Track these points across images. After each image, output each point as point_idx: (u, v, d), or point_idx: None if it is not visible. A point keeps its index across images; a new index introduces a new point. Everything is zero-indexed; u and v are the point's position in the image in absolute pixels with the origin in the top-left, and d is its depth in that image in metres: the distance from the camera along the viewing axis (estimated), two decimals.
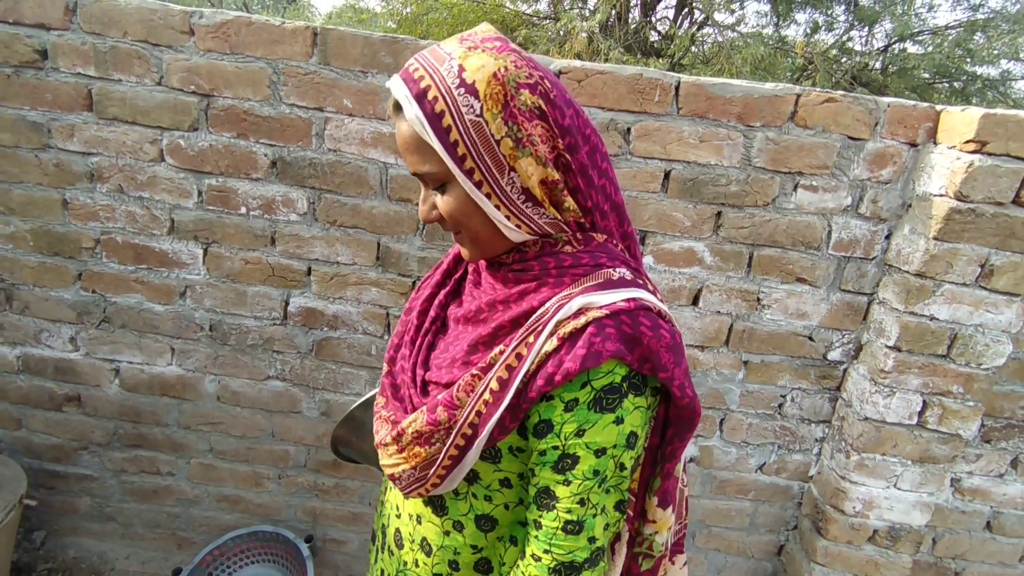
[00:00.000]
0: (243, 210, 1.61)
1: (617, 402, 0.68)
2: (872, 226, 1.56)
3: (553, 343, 0.68)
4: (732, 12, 7.06)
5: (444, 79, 0.66)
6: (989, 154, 1.35)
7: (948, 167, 1.40)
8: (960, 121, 1.40)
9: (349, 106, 1.51)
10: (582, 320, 0.67)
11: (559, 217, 0.73)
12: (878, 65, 7.01)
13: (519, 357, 0.69)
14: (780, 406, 1.74)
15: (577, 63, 1.47)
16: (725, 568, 1.94)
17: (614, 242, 0.77)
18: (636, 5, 7.00)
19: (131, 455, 1.86)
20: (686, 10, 7.16)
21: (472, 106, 0.65)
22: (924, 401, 1.57)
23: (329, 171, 1.56)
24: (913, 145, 1.50)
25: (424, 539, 0.85)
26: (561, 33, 6.21)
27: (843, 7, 6.66)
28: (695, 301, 1.65)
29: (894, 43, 6.73)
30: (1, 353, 1.76)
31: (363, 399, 1.02)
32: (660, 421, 0.76)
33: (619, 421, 0.69)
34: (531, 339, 0.69)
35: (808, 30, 7.00)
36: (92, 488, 1.91)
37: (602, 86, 1.47)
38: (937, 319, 1.49)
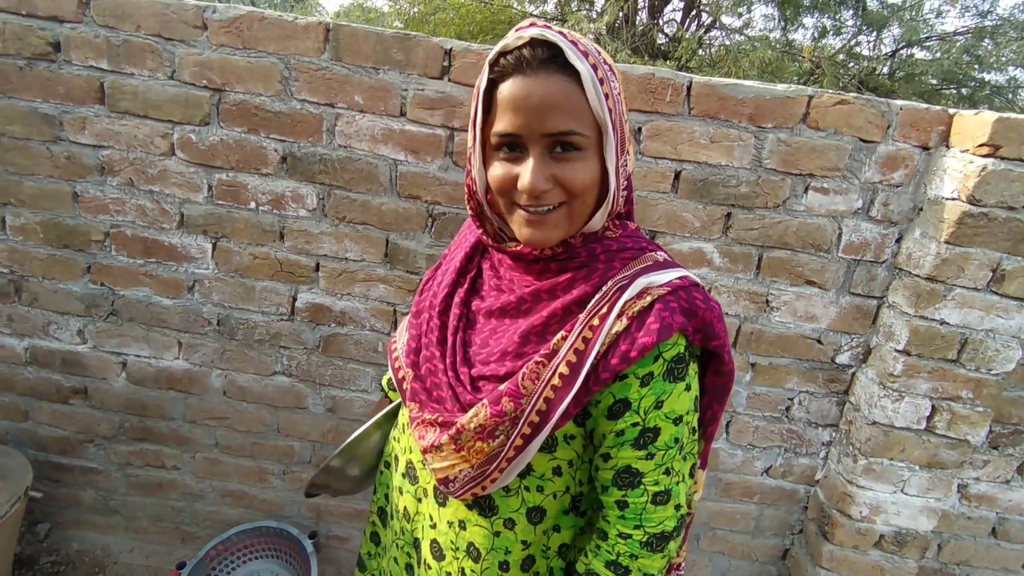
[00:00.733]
0: (252, 205, 1.61)
1: (684, 370, 0.72)
2: (883, 229, 1.56)
3: (623, 323, 0.70)
4: (739, 15, 7.06)
5: (598, 51, 0.69)
6: (1002, 158, 1.35)
7: (961, 171, 1.40)
8: (973, 125, 1.39)
9: (360, 102, 1.51)
10: (647, 299, 0.70)
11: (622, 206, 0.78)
12: (885, 70, 7.00)
13: (586, 340, 0.70)
14: (787, 409, 1.74)
15: None
16: (729, 571, 1.93)
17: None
18: (643, 7, 7.00)
19: (136, 448, 1.87)
20: (693, 13, 7.15)
21: (616, 83, 0.70)
22: (933, 406, 1.56)
23: (339, 167, 1.56)
24: (925, 148, 1.49)
25: (471, 544, 0.83)
26: None
27: (851, 11, 6.65)
28: None
29: (902, 48, 6.72)
30: (9, 345, 1.77)
31: (339, 449, 0.99)
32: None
33: (688, 388, 0.73)
34: (596, 322, 0.71)
35: (815, 34, 7.00)
36: (97, 481, 1.91)
37: None
38: (947, 323, 1.48)
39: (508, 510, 0.80)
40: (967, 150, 1.40)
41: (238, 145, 1.56)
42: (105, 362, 1.77)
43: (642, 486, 0.73)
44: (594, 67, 0.67)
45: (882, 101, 1.47)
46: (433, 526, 0.87)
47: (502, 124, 0.69)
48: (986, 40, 6.56)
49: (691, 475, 0.78)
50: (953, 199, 1.41)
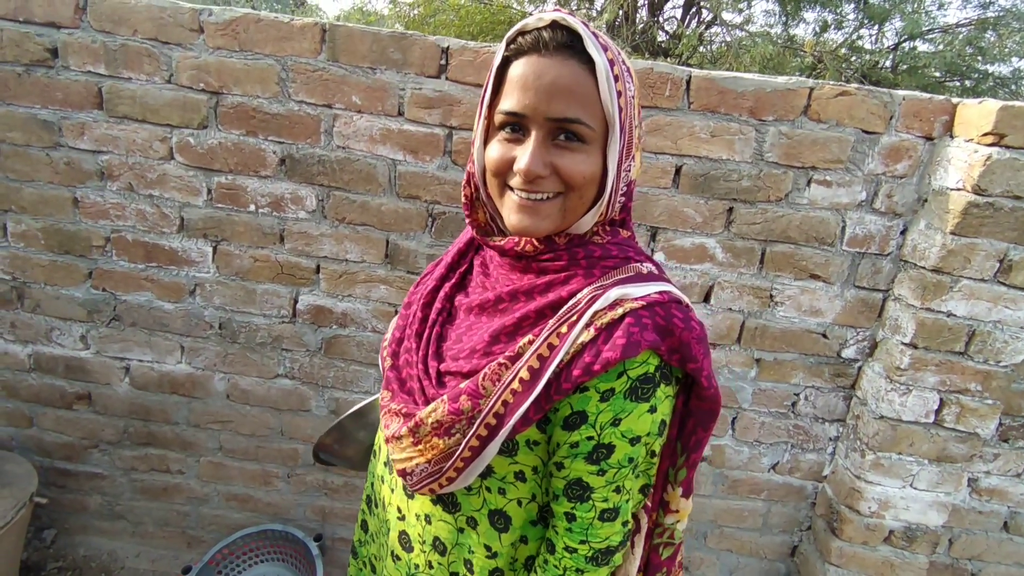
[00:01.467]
0: (252, 208, 1.61)
1: (651, 391, 0.69)
2: (887, 221, 1.54)
3: (590, 333, 0.67)
4: (740, 11, 7.03)
5: (619, 51, 0.69)
6: (1007, 147, 1.33)
7: (965, 160, 1.38)
8: (977, 114, 1.37)
9: (358, 103, 1.50)
10: (619, 311, 0.67)
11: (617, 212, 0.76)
12: (888, 63, 6.95)
13: (551, 347, 0.69)
14: (793, 404, 1.72)
15: None
16: (737, 569, 1.91)
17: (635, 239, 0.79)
18: (643, 5, 6.99)
19: (141, 453, 1.87)
20: (694, 9, 7.13)
21: (632, 87, 0.70)
22: (941, 399, 1.54)
23: (338, 168, 1.56)
24: (929, 139, 1.47)
25: (436, 538, 0.83)
26: None
27: (852, 5, 6.61)
28: (706, 298, 1.63)
29: (904, 41, 6.67)
30: (13, 351, 1.77)
31: (353, 409, 1.00)
32: (679, 412, 0.76)
33: (653, 410, 0.70)
34: (564, 329, 0.69)
35: (817, 29, 6.95)
36: (102, 486, 1.91)
37: None
38: (954, 315, 1.47)
39: (470, 508, 0.80)
40: (971, 139, 1.38)
41: (236, 148, 1.56)
42: (108, 367, 1.78)
43: (591, 501, 0.72)
44: (611, 62, 0.66)
45: (884, 91, 1.45)
46: (402, 517, 0.87)
47: (508, 102, 0.68)
48: (989, 31, 6.50)
49: (642, 492, 0.78)
50: (958, 189, 1.39)
